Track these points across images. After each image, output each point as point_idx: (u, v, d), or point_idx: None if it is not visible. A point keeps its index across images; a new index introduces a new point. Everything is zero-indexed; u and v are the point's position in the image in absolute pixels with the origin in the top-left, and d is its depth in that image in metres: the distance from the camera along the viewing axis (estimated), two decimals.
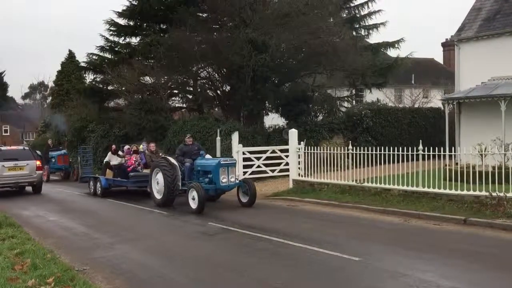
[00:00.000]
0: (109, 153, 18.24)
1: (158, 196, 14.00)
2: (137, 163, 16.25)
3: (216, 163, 13.16)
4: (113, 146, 18.73)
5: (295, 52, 21.05)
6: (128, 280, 6.92)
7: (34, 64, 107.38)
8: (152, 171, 14.29)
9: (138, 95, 24.12)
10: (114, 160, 17.67)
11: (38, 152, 24.15)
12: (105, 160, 18.22)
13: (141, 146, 17.76)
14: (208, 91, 24.67)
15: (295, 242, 8.72)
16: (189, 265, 7.63)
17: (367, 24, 25.08)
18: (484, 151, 12.43)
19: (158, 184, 13.95)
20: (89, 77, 29.50)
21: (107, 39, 25.34)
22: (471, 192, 11.01)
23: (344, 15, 24.48)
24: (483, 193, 10.74)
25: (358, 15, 24.94)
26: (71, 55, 39.83)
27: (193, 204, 12.52)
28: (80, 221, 12.06)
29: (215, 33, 22.22)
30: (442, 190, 11.56)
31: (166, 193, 13.55)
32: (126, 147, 18.06)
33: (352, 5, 25.05)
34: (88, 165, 22.47)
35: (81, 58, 36.33)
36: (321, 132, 21.11)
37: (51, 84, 56.23)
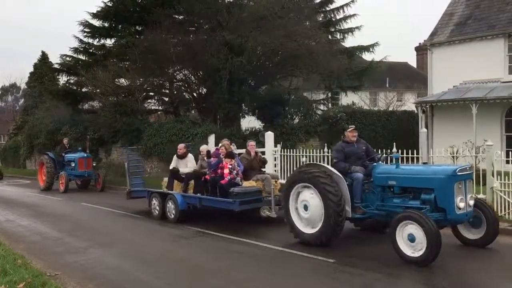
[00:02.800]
0: (175, 157, 12.96)
1: (307, 228, 8.68)
2: (234, 172, 10.91)
3: (449, 173, 7.52)
4: (182, 145, 13.10)
5: (272, 55, 21.13)
6: (102, 285, 6.80)
7: (6, 65, 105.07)
8: (291, 188, 8.98)
9: (113, 97, 23.84)
10: (182, 166, 12.69)
11: (51, 154, 21.41)
12: (171, 166, 12.85)
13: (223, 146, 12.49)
14: (184, 93, 24.57)
15: (271, 245, 8.74)
16: (164, 269, 7.55)
17: (342, 28, 25.36)
18: (456, 153, 12.69)
19: (306, 210, 8.66)
20: (62, 79, 29.06)
21: (81, 41, 24.98)
22: None
23: (320, 19, 24.70)
24: None
25: (333, 19, 25.19)
26: (44, 56, 39.17)
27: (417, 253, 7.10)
28: (53, 225, 11.83)
29: (191, 36, 22.13)
30: None
31: (328, 225, 8.19)
32: (225, 141, 12.54)
33: (327, 9, 25.29)
34: (138, 174, 15.19)
35: (55, 59, 35.77)
36: (297, 135, 21.23)
37: (23, 85, 55.13)
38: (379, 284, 6.43)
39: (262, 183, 11.31)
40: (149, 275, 7.21)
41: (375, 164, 8.63)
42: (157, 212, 12.28)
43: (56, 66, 27.74)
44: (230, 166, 10.90)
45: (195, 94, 24.20)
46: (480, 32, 19.32)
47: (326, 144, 15.04)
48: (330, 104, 27.32)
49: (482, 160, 11.88)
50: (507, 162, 11.09)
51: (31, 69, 39.84)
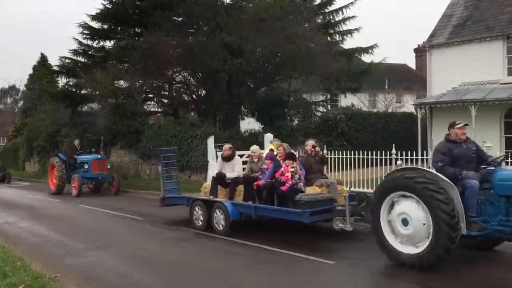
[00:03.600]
0: (219, 159, 11.38)
1: (407, 248, 7.12)
2: (296, 176, 9.30)
3: None
4: (228, 146, 11.40)
5: (271, 56, 21.14)
6: (101, 287, 6.80)
7: (5, 67, 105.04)
8: (382, 197, 7.35)
9: (112, 99, 23.85)
10: (228, 169, 10.96)
11: (62, 156, 20.41)
12: (216, 170, 11.22)
13: (272, 146, 11.22)
14: (183, 95, 24.58)
15: (270, 246, 8.72)
16: (164, 271, 7.55)
17: (341, 29, 25.40)
18: None
19: (406, 225, 7.06)
20: (61, 81, 29.08)
21: (80, 43, 25.00)
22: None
23: (319, 21, 24.74)
24: None
25: (332, 21, 25.22)
26: (43, 58, 39.13)
27: None
28: (52, 227, 11.81)
29: (190, 37, 22.15)
30: None
31: (439, 242, 6.67)
32: (275, 142, 11.30)
33: (326, 11, 25.33)
34: (172, 178, 13.16)
35: (54, 61, 35.74)
36: (296, 136, 21.21)
37: (22, 87, 55.13)
38: (380, 286, 6.43)
39: (327, 190, 9.71)
40: (148, 278, 7.20)
41: (493, 168, 7.00)
42: (200, 222, 10.69)
43: (55, 68, 27.76)
44: (292, 170, 9.27)
45: (194, 96, 24.21)
46: (479, 33, 19.35)
47: (325, 146, 15.05)
48: (329, 106, 27.34)
49: None
50: (507, 163, 11.11)
51: (30, 71, 39.79)
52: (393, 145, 12.48)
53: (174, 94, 24.37)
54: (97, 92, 23.35)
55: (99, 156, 19.92)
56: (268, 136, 16.31)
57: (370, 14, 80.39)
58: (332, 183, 9.81)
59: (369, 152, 12.70)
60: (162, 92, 25.09)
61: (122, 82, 24.13)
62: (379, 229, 7.35)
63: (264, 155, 10.81)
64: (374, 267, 7.26)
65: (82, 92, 25.62)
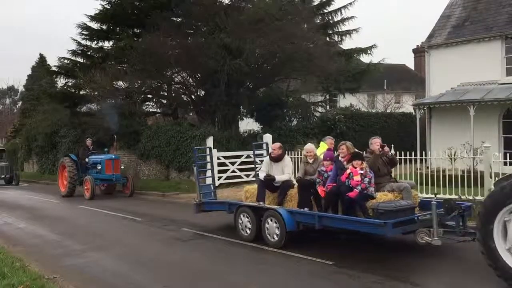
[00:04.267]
0: (266, 159, 10.02)
1: None
2: (366, 180, 8.09)
3: None
4: (278, 145, 9.99)
5: (270, 57, 21.14)
6: None
7: (3, 68, 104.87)
8: (492, 215, 6.03)
9: (111, 99, 23.82)
10: (277, 171, 9.67)
11: (73, 156, 19.58)
12: (262, 173, 9.73)
13: (323, 145, 10.13)
14: (182, 96, 24.55)
15: (269, 247, 8.73)
16: (162, 271, 7.55)
17: (340, 30, 25.36)
18: (454, 155, 12.74)
19: None
20: (60, 82, 29.00)
21: (79, 43, 24.94)
22: (441, 195, 11.23)
23: (318, 21, 24.72)
24: (453, 196, 10.98)
25: (331, 21, 25.21)
26: (42, 59, 39.08)
27: None
28: (51, 228, 11.81)
29: (189, 38, 22.13)
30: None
31: None
32: (329, 140, 10.23)
33: (325, 11, 25.30)
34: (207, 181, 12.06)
35: (53, 62, 35.71)
36: (295, 137, 21.24)
37: (21, 88, 55.10)
38: (377, 286, 6.44)
39: (399, 195, 8.36)
40: (147, 278, 7.21)
41: None
42: (247, 232, 9.38)
43: (54, 68, 27.67)
44: (362, 172, 8.09)
45: (193, 97, 24.20)
46: (478, 34, 19.37)
47: None
48: (328, 106, 27.35)
49: (480, 162, 11.94)
50: (505, 163, 11.13)
51: (29, 72, 39.75)
52: (392, 145, 12.46)
53: (173, 94, 24.35)
54: (96, 93, 23.33)
55: (113, 156, 18.86)
56: (267, 137, 16.35)
57: (369, 14, 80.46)
58: (406, 188, 8.37)
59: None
60: (161, 93, 25.07)
61: (121, 82, 24.09)
62: (497, 255, 5.91)
63: (314, 154, 9.48)
64: (373, 269, 7.26)
65: (81, 92, 25.57)
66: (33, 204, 17.29)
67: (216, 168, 18.23)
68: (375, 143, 8.92)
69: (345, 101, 27.56)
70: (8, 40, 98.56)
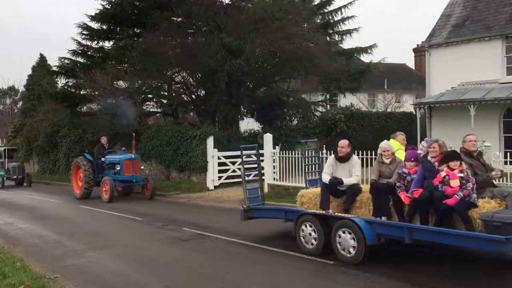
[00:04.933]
0: (331, 159, 8.79)
1: None
2: (470, 185, 6.82)
3: None
4: (346, 142, 8.65)
5: (270, 57, 21.16)
6: None
7: (4, 68, 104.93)
8: None
9: (111, 99, 23.84)
10: (343, 173, 8.44)
11: (88, 155, 18.32)
12: (326, 175, 8.46)
13: (394, 143, 9.05)
14: (182, 95, 24.58)
15: (271, 247, 8.73)
16: (163, 271, 7.55)
17: (340, 29, 25.43)
18: None
19: None
20: (61, 82, 29.06)
21: (79, 43, 24.99)
22: None
23: (318, 21, 24.77)
24: None
25: (331, 21, 25.26)
26: (42, 59, 39.10)
27: None
28: (52, 228, 11.82)
29: (189, 38, 22.16)
30: None
31: None
32: (400, 136, 9.38)
33: (325, 11, 25.35)
34: (255, 183, 10.44)
35: (53, 62, 35.75)
36: (295, 137, 21.24)
37: (21, 88, 55.11)
38: (379, 286, 6.44)
39: (502, 202, 6.98)
40: (148, 278, 7.21)
41: None
42: (312, 245, 8.07)
43: (54, 68, 27.73)
44: (462, 175, 6.82)
45: (193, 96, 24.22)
46: (478, 33, 19.37)
47: (324, 146, 15.04)
48: (328, 106, 27.37)
49: None
50: (506, 163, 11.12)
51: (30, 72, 39.77)
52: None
53: (173, 94, 24.37)
54: (96, 93, 23.36)
55: (132, 156, 17.54)
56: (268, 136, 16.35)
57: (369, 14, 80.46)
58: (510, 193, 6.99)
59: (368, 152, 12.69)
60: (161, 93, 25.10)
61: (121, 82, 24.12)
62: None
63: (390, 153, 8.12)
64: (375, 269, 7.26)
65: (81, 92, 25.62)
66: (34, 204, 17.30)
67: (216, 168, 18.41)
68: (471, 140, 7.51)
69: (346, 100, 27.58)
70: (9, 40, 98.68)
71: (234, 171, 18.46)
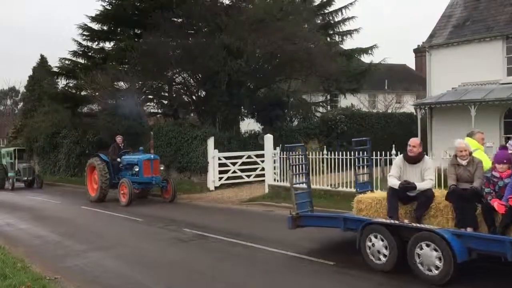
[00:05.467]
0: (398, 160, 7.88)
1: None
2: None
3: None
4: (417, 141, 7.72)
5: (270, 57, 21.15)
6: None
7: (4, 69, 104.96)
8: None
9: (112, 100, 23.84)
10: (414, 176, 7.51)
11: (103, 156, 17.20)
12: (394, 179, 7.59)
13: (471, 141, 7.80)
14: (183, 96, 24.58)
15: (270, 247, 8.72)
16: (164, 272, 7.55)
17: (341, 30, 25.42)
18: None
19: None
20: (61, 83, 29.03)
21: (80, 44, 25.00)
22: None
23: (319, 22, 24.77)
24: None
25: (332, 22, 25.25)
26: (43, 60, 39.12)
27: None
28: (52, 228, 11.82)
29: (190, 39, 22.15)
30: None
31: None
32: (478, 135, 8.05)
33: (326, 11, 25.35)
34: (304, 188, 9.56)
35: (54, 63, 35.76)
36: (296, 137, 21.23)
37: (22, 89, 55.17)
38: (379, 286, 6.44)
39: None
40: (148, 279, 7.21)
41: None
42: (381, 259, 7.04)
43: (55, 69, 27.72)
44: None
45: (194, 97, 24.22)
46: (478, 34, 19.35)
47: (325, 146, 15.05)
48: (329, 107, 27.36)
49: None
50: None
51: (30, 73, 39.77)
52: (393, 145, 12.47)
53: (174, 95, 24.37)
54: (96, 94, 23.35)
55: (152, 156, 16.43)
56: (268, 137, 16.35)
57: (369, 14, 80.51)
58: None
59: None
60: (162, 93, 25.09)
61: (122, 83, 24.11)
62: None
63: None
64: (375, 270, 7.26)
65: (82, 93, 25.61)
66: (35, 205, 17.31)
67: (217, 169, 18.40)
68: None
69: (346, 101, 27.57)
70: (9, 40, 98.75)
71: (235, 171, 18.45)
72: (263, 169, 17.19)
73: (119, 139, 17.62)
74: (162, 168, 17.02)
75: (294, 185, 9.11)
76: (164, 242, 9.87)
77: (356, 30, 25.20)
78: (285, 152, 9.51)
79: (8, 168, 25.58)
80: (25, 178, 24.75)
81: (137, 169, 16.17)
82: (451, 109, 18.55)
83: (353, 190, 12.92)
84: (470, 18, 20.25)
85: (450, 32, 20.43)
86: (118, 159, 16.92)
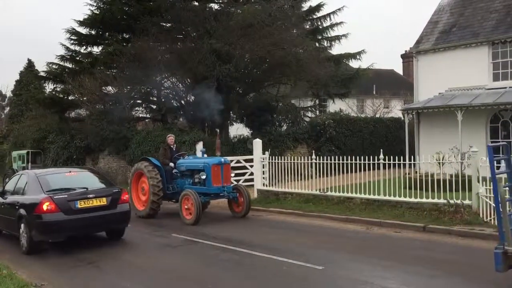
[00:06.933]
0: None
1: None
2: None
3: None
4: None
5: (259, 62, 21.20)
6: None
7: None
8: None
9: (100, 105, 23.71)
10: None
11: (154, 160, 13.70)
12: None
13: None
14: (172, 101, 24.51)
15: (259, 252, 8.71)
16: (152, 278, 7.49)
17: (329, 35, 25.54)
18: (442, 160, 12.81)
19: None
20: (49, 87, 28.83)
21: (68, 48, 24.86)
22: (430, 200, 11.31)
23: (307, 27, 24.86)
24: (442, 200, 11.06)
25: (320, 27, 25.37)
26: (30, 64, 38.89)
27: None
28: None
29: (179, 43, 22.14)
30: (402, 198, 11.84)
31: None
32: None
33: (314, 17, 25.46)
34: None
35: (41, 67, 35.51)
36: (285, 142, 21.27)
37: (9, 94, 54.62)
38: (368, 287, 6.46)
39: None
40: (136, 285, 7.15)
41: None
42: None
43: (42, 74, 27.54)
44: None
45: (183, 102, 24.17)
46: (465, 40, 19.59)
47: (314, 151, 15.10)
48: (317, 111, 27.45)
49: (467, 166, 12.01)
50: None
51: (17, 77, 39.47)
52: (381, 150, 12.56)
53: (163, 99, 24.29)
54: (84, 98, 23.22)
55: (222, 160, 12.80)
56: (257, 142, 16.36)
57: (357, 20, 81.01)
58: None
59: (357, 157, 12.74)
60: (151, 98, 25.01)
61: (110, 88, 24.00)
62: None
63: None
64: (365, 271, 7.28)
65: (70, 98, 25.45)
66: None
67: None
68: None
69: (335, 106, 27.69)
70: None
71: None
72: (252, 173, 17.15)
73: (170, 138, 14.20)
74: (233, 175, 13.95)
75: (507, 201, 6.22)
76: (153, 248, 9.78)
77: (344, 35, 25.35)
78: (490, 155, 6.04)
79: None
80: None
81: (203, 177, 12.52)
82: (438, 113, 18.74)
83: (341, 194, 12.99)
84: (456, 24, 20.50)
85: (437, 38, 20.66)
86: (171, 164, 13.60)
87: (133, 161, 21.90)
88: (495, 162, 6.08)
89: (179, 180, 13.51)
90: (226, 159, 13.12)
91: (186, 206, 12.24)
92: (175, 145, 14.39)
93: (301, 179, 14.52)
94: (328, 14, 25.06)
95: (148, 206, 13.35)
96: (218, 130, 16.69)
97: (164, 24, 22.78)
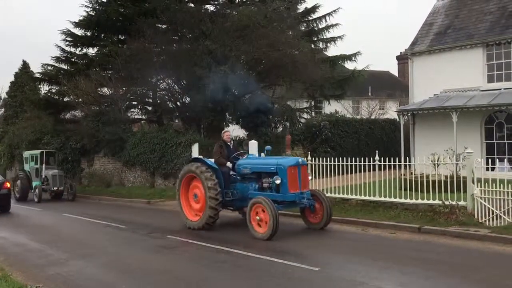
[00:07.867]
0: None
1: None
2: None
3: None
4: None
5: (255, 64, 21.21)
6: None
7: None
8: None
9: (95, 106, 23.64)
10: None
11: (208, 161, 11.64)
12: None
13: None
14: (167, 102, 24.48)
15: (255, 254, 8.71)
16: (147, 280, 7.48)
17: (325, 37, 25.58)
18: (437, 161, 12.87)
19: None
20: (44, 89, 28.69)
21: (63, 50, 24.79)
22: (425, 201, 11.36)
23: (303, 28, 24.90)
24: (437, 201, 11.11)
25: (316, 29, 25.42)
26: (25, 66, 38.66)
27: None
28: (34, 236, 11.64)
29: (174, 45, 22.11)
30: (398, 199, 11.89)
31: None
32: None
33: (310, 18, 25.50)
34: None
35: (36, 68, 35.34)
36: (281, 143, 21.25)
37: (4, 95, 54.38)
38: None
39: None
40: (132, 287, 7.14)
41: None
42: None
43: (37, 75, 27.43)
44: None
45: (178, 103, 24.14)
46: (459, 41, 19.67)
47: (309, 153, 15.10)
48: (313, 113, 27.48)
49: (462, 168, 12.07)
50: (487, 169, 11.28)
51: (12, 78, 39.25)
52: (377, 151, 12.60)
53: (158, 101, 24.26)
54: (80, 100, 23.16)
55: (299, 160, 10.91)
56: (253, 143, 16.35)
57: (353, 22, 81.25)
58: None
59: (353, 159, 12.78)
60: (146, 99, 24.97)
61: (105, 89, 23.95)
62: None
63: None
64: (359, 273, 7.29)
65: (65, 99, 25.37)
66: (15, 212, 17.02)
67: None
68: None
69: (330, 107, 27.75)
70: None
71: None
72: None
73: (227, 134, 12.18)
74: (310, 178, 11.72)
75: None
76: (149, 249, 9.77)
77: (339, 37, 25.41)
78: None
79: (33, 176, 21.49)
80: (55, 188, 20.70)
81: (278, 181, 10.41)
82: (433, 115, 18.79)
83: (336, 195, 13.01)
84: (451, 26, 20.58)
85: (432, 39, 20.73)
86: (229, 164, 11.53)
87: (129, 162, 21.87)
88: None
89: (238, 184, 11.38)
90: (303, 159, 11.22)
91: (257, 217, 10.13)
92: (232, 142, 12.34)
93: None
94: (324, 16, 25.12)
95: (205, 215, 11.16)
96: (287, 124, 13.24)
97: (160, 25, 22.74)
